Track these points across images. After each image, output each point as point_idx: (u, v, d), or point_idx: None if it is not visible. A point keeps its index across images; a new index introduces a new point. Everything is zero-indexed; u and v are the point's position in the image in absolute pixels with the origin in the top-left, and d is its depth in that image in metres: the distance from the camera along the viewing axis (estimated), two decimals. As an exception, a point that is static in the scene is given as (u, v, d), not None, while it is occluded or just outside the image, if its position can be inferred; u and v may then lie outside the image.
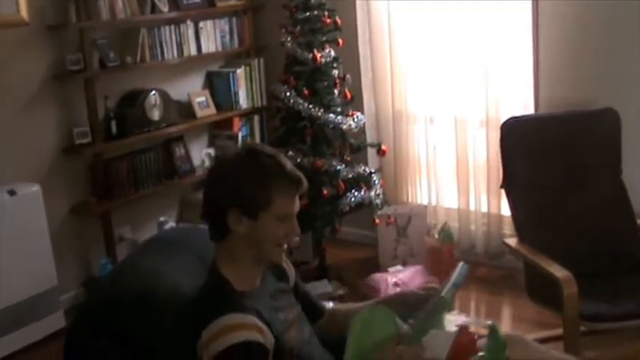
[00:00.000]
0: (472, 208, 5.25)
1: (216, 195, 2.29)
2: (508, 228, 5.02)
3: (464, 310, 4.64)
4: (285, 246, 2.35)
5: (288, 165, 2.29)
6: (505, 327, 4.52)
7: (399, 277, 4.76)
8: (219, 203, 2.27)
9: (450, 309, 2.40)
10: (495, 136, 4.76)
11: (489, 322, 2.35)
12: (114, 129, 4.91)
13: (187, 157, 5.54)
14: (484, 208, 5.18)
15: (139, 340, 2.23)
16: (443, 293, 2.35)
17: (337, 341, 2.47)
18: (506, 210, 4.89)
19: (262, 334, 2.15)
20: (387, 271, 4.97)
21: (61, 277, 4.65)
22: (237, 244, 2.29)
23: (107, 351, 2.23)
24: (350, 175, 4.83)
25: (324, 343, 2.52)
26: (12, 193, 4.35)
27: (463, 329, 2.37)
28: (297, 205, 2.31)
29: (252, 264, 2.32)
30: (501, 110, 4.86)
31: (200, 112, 5.57)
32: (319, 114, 4.75)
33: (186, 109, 5.52)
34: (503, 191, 4.21)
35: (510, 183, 4.05)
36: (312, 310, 2.63)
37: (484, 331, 2.32)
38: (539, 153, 4.05)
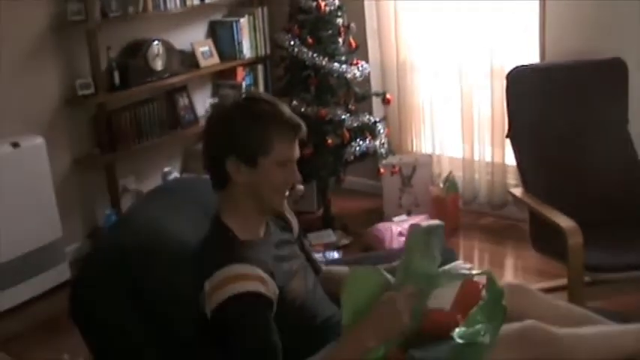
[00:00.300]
0: (476, 157, 5.23)
1: (215, 144, 2.29)
2: (512, 178, 5.03)
3: (467, 259, 4.64)
4: (287, 193, 2.35)
5: (287, 111, 2.30)
6: (508, 276, 4.55)
7: (404, 227, 4.76)
8: (218, 152, 2.27)
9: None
10: (500, 86, 4.75)
11: (486, 270, 2.35)
12: (117, 80, 4.88)
13: (191, 107, 5.52)
14: (488, 158, 5.16)
15: (143, 291, 2.23)
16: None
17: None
18: (510, 160, 4.89)
19: (265, 285, 2.15)
20: (391, 220, 4.97)
21: (66, 229, 4.66)
22: (238, 193, 2.29)
23: (111, 302, 2.23)
24: (354, 124, 4.80)
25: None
26: (15, 145, 4.33)
27: (467, 279, 2.37)
28: (296, 151, 2.31)
29: (254, 213, 2.33)
30: (506, 60, 4.80)
31: (203, 62, 5.53)
32: (323, 63, 4.72)
33: (189, 59, 5.48)
34: (507, 141, 4.19)
35: (516, 132, 4.03)
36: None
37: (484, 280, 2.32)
38: (545, 102, 4.02)
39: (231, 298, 2.09)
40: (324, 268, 2.72)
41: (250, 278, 2.13)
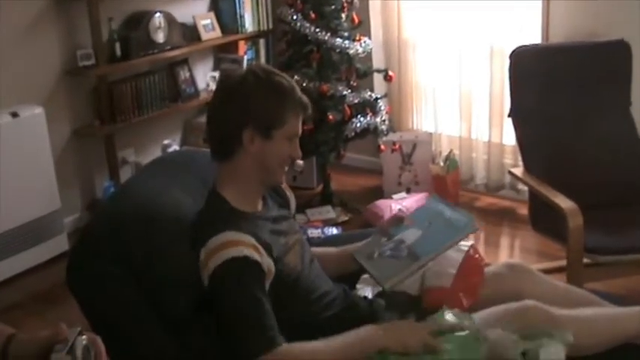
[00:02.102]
0: (474, 137, 5.22)
1: (230, 114, 2.29)
2: (509, 158, 5.03)
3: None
4: (286, 168, 2.38)
5: (298, 88, 2.34)
6: (507, 257, 4.54)
7: (403, 204, 4.75)
8: (234, 122, 2.27)
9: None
10: (500, 66, 4.74)
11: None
12: (118, 51, 4.86)
13: (192, 81, 5.49)
14: (486, 138, 5.15)
15: (141, 262, 2.23)
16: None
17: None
18: (507, 140, 4.89)
19: (258, 253, 2.16)
20: (391, 198, 4.96)
21: (65, 200, 4.66)
22: (244, 164, 2.30)
23: (109, 273, 2.22)
24: (356, 101, 4.78)
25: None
26: (15, 115, 4.31)
27: (469, 255, 2.37)
28: (301, 127, 2.37)
29: (254, 185, 2.35)
30: (507, 41, 4.77)
31: (205, 35, 5.51)
32: (326, 38, 4.69)
33: (191, 32, 5.45)
34: (505, 121, 4.18)
35: (517, 112, 4.01)
36: None
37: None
38: (547, 83, 4.00)
39: (227, 261, 2.12)
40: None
41: (244, 244, 2.15)
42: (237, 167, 2.31)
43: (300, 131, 2.35)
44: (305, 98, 2.34)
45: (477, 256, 2.42)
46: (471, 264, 2.35)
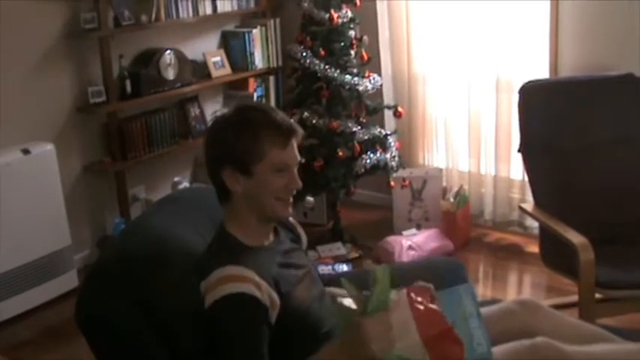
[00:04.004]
0: (483, 172, 5.22)
1: (211, 156, 2.32)
2: (517, 192, 5.03)
3: (474, 276, 4.62)
4: (291, 200, 2.34)
5: (279, 116, 2.29)
6: (518, 293, 4.51)
7: (414, 241, 4.75)
8: (214, 164, 2.29)
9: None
10: (506, 100, 4.76)
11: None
12: (128, 88, 4.89)
13: (202, 117, 5.51)
14: (494, 172, 5.15)
15: (150, 299, 2.22)
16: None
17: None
18: (515, 174, 4.88)
19: (259, 290, 2.14)
20: (401, 234, 4.95)
21: (75, 237, 4.66)
22: (240, 205, 2.30)
23: (118, 310, 2.22)
24: (365, 137, 4.79)
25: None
26: (26, 152, 4.34)
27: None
28: (294, 156, 2.30)
29: (258, 223, 2.33)
30: (513, 74, 4.80)
31: (215, 72, 5.54)
32: (335, 75, 4.71)
33: (201, 69, 5.48)
34: (512, 156, 4.16)
35: (527, 147, 4.00)
36: None
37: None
38: (557, 117, 3.98)
39: (224, 297, 2.10)
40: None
41: (244, 280, 2.14)
42: (236, 209, 2.32)
43: (292, 160, 2.29)
44: (288, 122, 2.28)
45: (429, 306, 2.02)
46: (432, 319, 1.99)
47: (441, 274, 2.26)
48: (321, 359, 2.13)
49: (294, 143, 2.30)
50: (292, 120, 2.34)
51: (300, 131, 2.32)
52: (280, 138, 2.25)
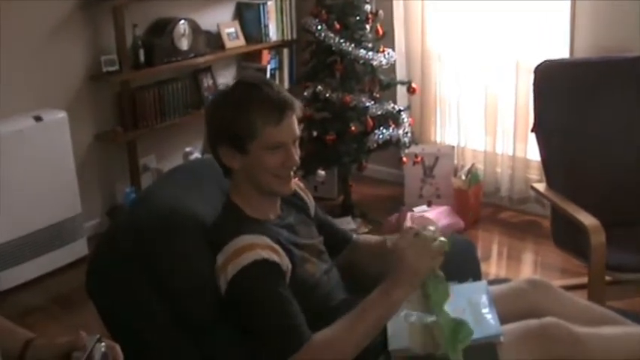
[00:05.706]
0: (499, 151, 5.19)
1: (209, 134, 2.31)
2: (534, 173, 5.00)
3: (485, 254, 4.61)
4: (292, 174, 2.32)
5: (274, 91, 2.24)
6: (528, 272, 4.51)
7: (424, 217, 4.73)
8: (211, 141, 2.29)
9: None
10: (525, 80, 4.70)
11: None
12: (142, 58, 4.87)
13: (215, 88, 5.49)
14: (510, 152, 5.12)
15: (159, 268, 2.22)
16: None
17: (359, 277, 2.53)
18: (532, 155, 4.85)
19: (277, 254, 2.16)
20: (412, 210, 4.93)
21: (85, 205, 4.67)
22: (239, 180, 2.32)
23: (128, 278, 2.22)
24: (378, 112, 4.77)
25: (345, 280, 2.53)
26: (38, 119, 4.33)
27: None
28: (290, 132, 2.25)
29: (260, 197, 2.33)
30: (533, 55, 4.73)
31: (229, 44, 5.51)
32: (350, 49, 4.68)
33: (215, 40, 5.46)
34: (530, 136, 4.13)
35: (541, 127, 3.97)
36: (336, 238, 2.64)
37: None
38: (573, 98, 3.95)
39: (246, 267, 2.11)
40: (354, 236, 2.71)
41: (261, 247, 2.15)
42: (237, 182, 2.33)
43: (288, 136, 2.24)
44: (283, 98, 2.22)
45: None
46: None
47: (451, 252, 2.24)
48: (373, 300, 2.15)
49: (292, 118, 2.25)
50: (288, 94, 2.27)
51: (297, 105, 2.27)
52: (274, 115, 2.20)
